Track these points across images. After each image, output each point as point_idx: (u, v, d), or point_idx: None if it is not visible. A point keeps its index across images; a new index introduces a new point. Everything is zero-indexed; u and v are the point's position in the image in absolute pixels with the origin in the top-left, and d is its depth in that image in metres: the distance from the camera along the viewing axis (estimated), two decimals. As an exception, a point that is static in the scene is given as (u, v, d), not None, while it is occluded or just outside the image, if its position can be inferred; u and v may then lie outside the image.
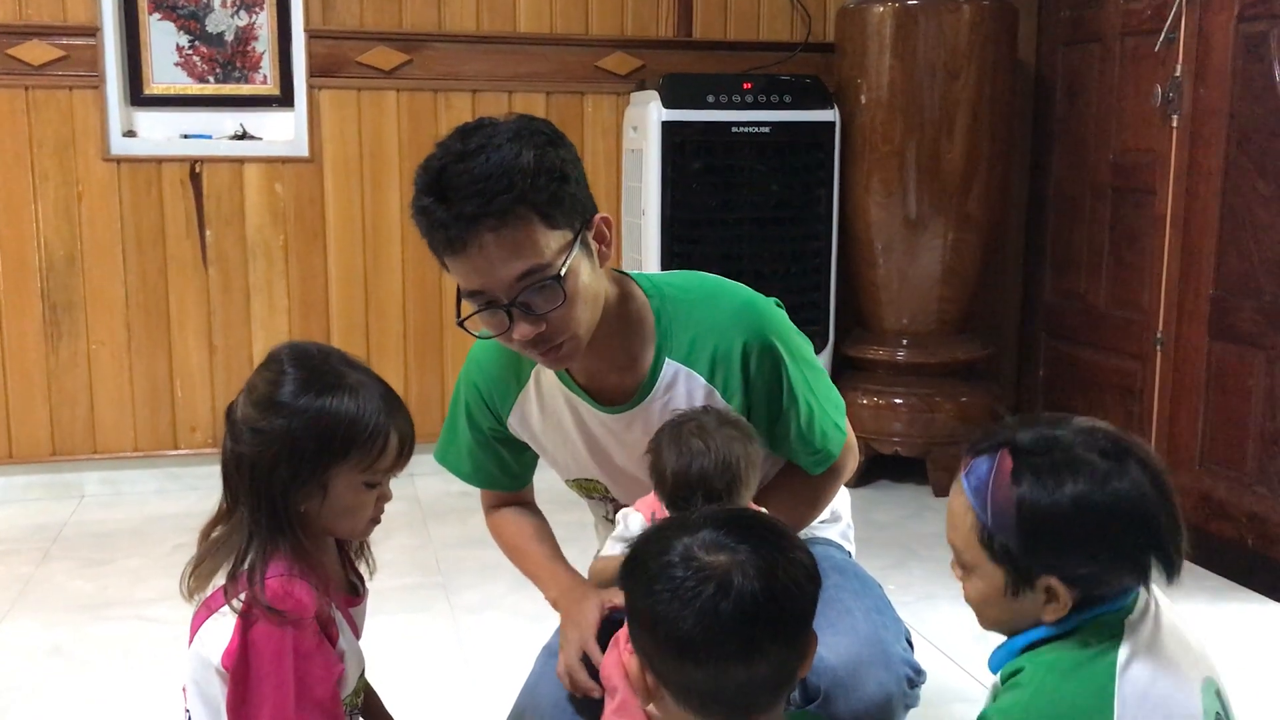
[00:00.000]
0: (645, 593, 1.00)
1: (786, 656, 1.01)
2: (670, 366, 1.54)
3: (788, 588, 0.99)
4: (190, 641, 1.29)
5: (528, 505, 1.77)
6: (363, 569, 1.44)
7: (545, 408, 1.61)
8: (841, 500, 1.78)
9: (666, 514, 1.40)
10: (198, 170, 3.28)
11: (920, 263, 3.33)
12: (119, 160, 3.22)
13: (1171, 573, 1.20)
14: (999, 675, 1.24)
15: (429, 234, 1.39)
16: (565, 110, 3.49)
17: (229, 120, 3.36)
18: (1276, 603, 2.64)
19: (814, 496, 1.65)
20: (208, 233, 3.30)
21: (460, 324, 1.46)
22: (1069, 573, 1.16)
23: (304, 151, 3.34)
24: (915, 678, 1.50)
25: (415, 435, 1.37)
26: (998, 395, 3.53)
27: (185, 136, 3.32)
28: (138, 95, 3.29)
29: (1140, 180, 3.25)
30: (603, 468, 1.64)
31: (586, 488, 1.70)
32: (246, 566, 1.25)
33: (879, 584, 1.66)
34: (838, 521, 1.76)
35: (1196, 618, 2.52)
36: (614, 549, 1.47)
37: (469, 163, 1.35)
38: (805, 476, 1.64)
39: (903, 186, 3.29)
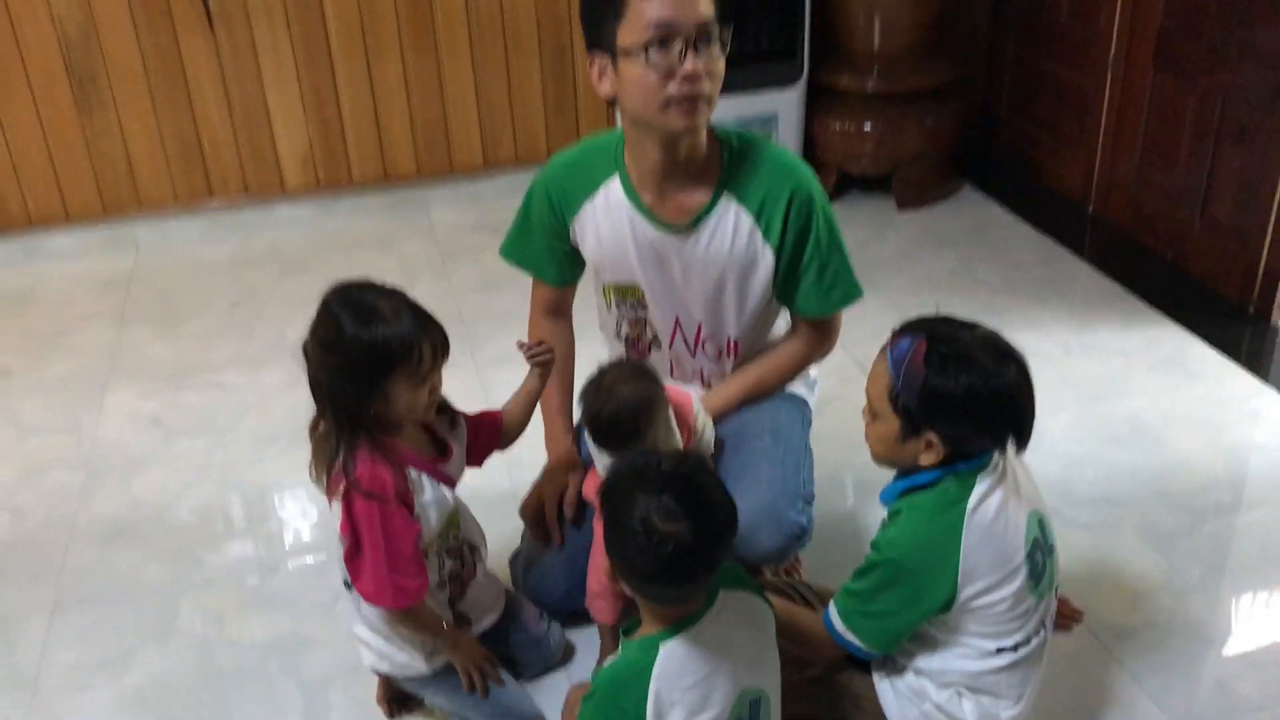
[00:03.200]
0: (618, 541, 1.45)
1: (713, 574, 1.48)
2: (726, 200, 1.89)
3: (717, 540, 1.44)
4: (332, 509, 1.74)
5: (565, 320, 2.15)
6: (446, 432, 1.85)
7: (610, 218, 1.93)
8: None
9: None
10: (190, -63, 3.39)
11: (890, -7, 3.48)
12: (114, -66, 3.34)
13: (1021, 445, 1.63)
14: (887, 511, 1.71)
15: None
16: None
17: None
18: (1178, 325, 3.06)
19: (795, 362, 2.06)
20: (209, -2, 3.47)
21: (630, 51, 1.73)
22: (946, 432, 1.60)
23: (289, -92, 3.42)
24: (801, 535, 1.91)
25: (446, 334, 1.72)
26: (961, 114, 3.77)
27: (171, -103, 3.40)
28: None
29: (1106, -100, 3.33)
30: (647, 278, 1.96)
31: (622, 291, 2.02)
32: (340, 461, 1.69)
33: (804, 442, 2.06)
34: (805, 376, 2.16)
35: (1108, 341, 2.90)
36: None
37: None
38: (793, 345, 2.05)
39: (873, -82, 3.38)
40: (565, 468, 2.06)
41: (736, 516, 1.49)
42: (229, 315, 3.33)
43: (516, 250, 2.09)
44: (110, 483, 2.63)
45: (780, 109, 3.64)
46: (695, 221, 1.90)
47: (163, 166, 3.66)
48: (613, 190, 1.93)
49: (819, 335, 2.05)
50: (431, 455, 1.82)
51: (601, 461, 1.83)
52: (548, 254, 2.05)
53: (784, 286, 1.97)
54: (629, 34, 1.73)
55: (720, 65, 1.77)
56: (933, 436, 1.59)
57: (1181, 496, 2.41)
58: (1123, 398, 2.76)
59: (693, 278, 1.95)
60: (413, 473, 1.74)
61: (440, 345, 1.72)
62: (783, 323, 2.13)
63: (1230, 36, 2.96)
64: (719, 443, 2.01)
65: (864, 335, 3.17)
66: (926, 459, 1.62)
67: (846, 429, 2.53)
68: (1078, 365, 2.89)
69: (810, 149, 3.77)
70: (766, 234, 1.90)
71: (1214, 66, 3.03)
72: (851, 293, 1.99)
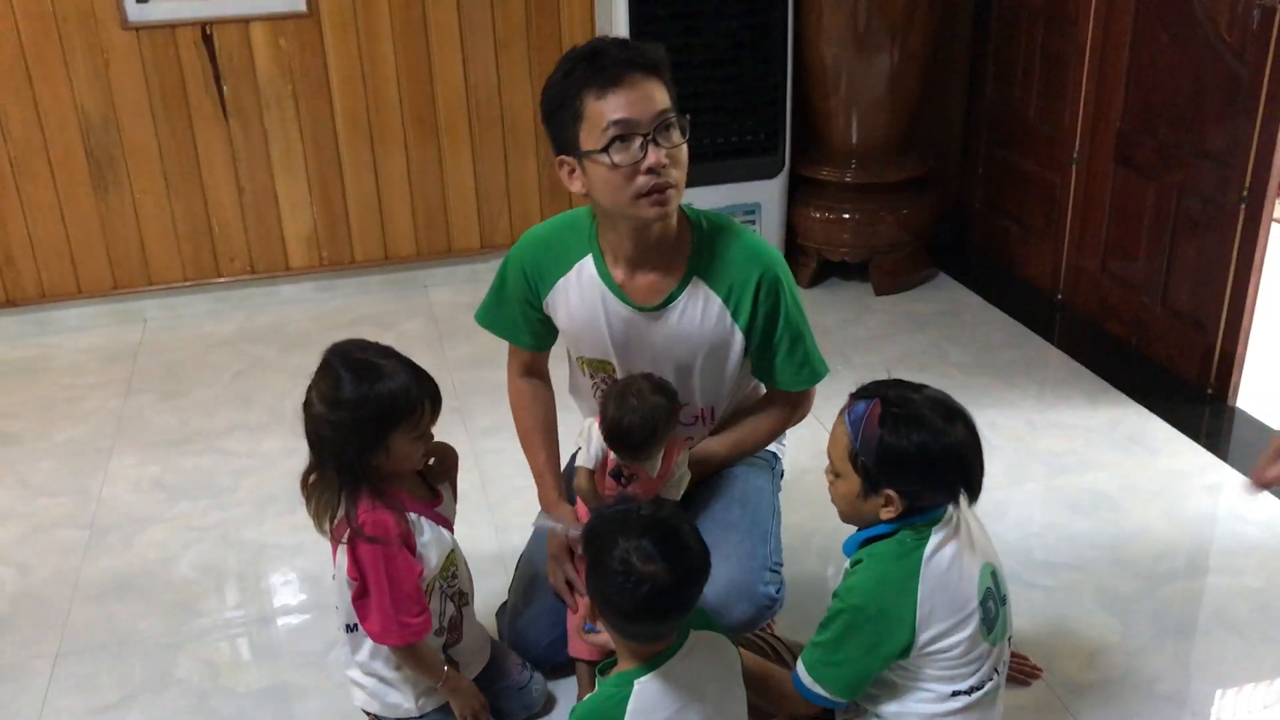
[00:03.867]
0: (599, 581, 1.57)
1: (686, 614, 1.60)
2: (695, 283, 1.96)
3: (691, 583, 1.57)
4: (334, 561, 1.88)
5: (542, 379, 2.22)
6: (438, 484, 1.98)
7: (583, 296, 2.00)
8: None
9: None
10: (209, 32, 3.59)
11: (867, 92, 3.68)
12: (137, 28, 3.54)
13: (973, 498, 1.76)
14: (849, 560, 1.83)
15: (590, 77, 1.79)
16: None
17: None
18: (1140, 405, 3.20)
19: (767, 428, 2.16)
20: (224, 88, 3.67)
21: (593, 153, 1.81)
22: (903, 488, 1.72)
23: (301, 6, 3.63)
24: (771, 605, 2.02)
25: (439, 388, 1.85)
26: (935, 205, 3.97)
27: (192, -6, 3.62)
28: (144, -40, 3.57)
29: (1067, 10, 3.55)
30: (619, 354, 2.03)
31: (595, 366, 2.10)
32: (344, 511, 1.81)
33: (773, 508, 2.16)
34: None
35: (1072, 418, 3.02)
36: (587, 462, 2.00)
37: (621, 42, 1.83)
38: (770, 413, 2.14)
39: (852, 24, 3.59)
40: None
41: (710, 560, 1.61)
42: (232, 386, 3.47)
43: (492, 318, 2.17)
44: (113, 540, 2.74)
45: (763, 198, 3.83)
46: (665, 303, 1.97)
47: (173, 245, 3.83)
48: (586, 269, 2.00)
49: (794, 402, 2.15)
50: (426, 499, 1.94)
51: (590, 452, 1.96)
52: (522, 321, 2.12)
53: (757, 364, 2.06)
54: (590, 137, 1.81)
55: (683, 152, 1.84)
56: (891, 493, 1.71)
57: (1139, 563, 2.52)
58: (1085, 471, 2.89)
59: (664, 356, 2.02)
60: (412, 516, 1.86)
61: (435, 399, 1.86)
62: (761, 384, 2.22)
63: (1181, 137, 3.16)
64: (690, 495, 2.12)
65: (838, 410, 3.31)
66: (887, 514, 1.74)
67: (819, 495, 2.66)
68: (1043, 441, 3.03)
69: (791, 236, 3.95)
70: (735, 316, 1.98)
71: (1168, 164, 3.22)
72: (819, 370, 2.08)
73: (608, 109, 1.79)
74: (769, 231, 3.86)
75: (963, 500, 1.77)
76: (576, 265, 2.01)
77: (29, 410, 3.37)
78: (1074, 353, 3.49)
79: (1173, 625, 2.35)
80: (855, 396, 1.77)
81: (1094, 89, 3.47)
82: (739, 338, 2.00)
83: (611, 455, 1.96)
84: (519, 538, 2.33)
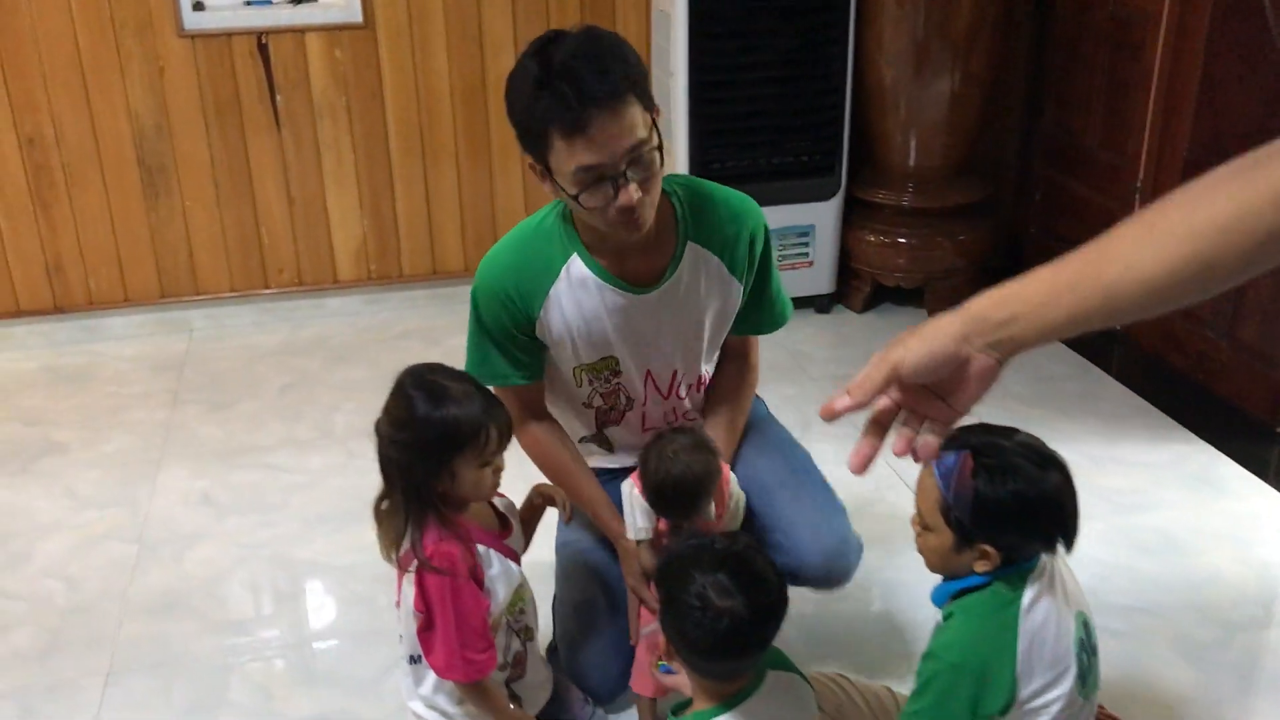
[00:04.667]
0: (675, 618, 1.52)
1: (764, 650, 1.55)
2: (691, 250, 1.94)
3: (769, 617, 1.51)
4: (399, 590, 1.84)
5: (549, 417, 2.12)
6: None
7: (577, 296, 1.92)
8: None
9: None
10: (264, 41, 3.57)
11: (926, 114, 3.62)
12: (193, 36, 3.52)
13: (1069, 546, 1.69)
14: (941, 614, 1.76)
15: (555, 112, 1.65)
16: (598, -33, 3.72)
17: (287, -13, 3.62)
18: (1205, 442, 3.14)
19: (748, 388, 2.18)
20: (278, 98, 3.64)
21: (561, 188, 1.74)
22: (1000, 541, 1.65)
23: (358, 18, 3.61)
24: (860, 550, 2.10)
25: (511, 418, 1.80)
26: (992, 231, 3.91)
27: (248, 3, 3.60)
28: (202, -32, 3.55)
29: (1134, 35, 3.48)
30: (623, 342, 1.97)
31: (595, 369, 2.01)
32: (410, 541, 1.77)
33: (804, 450, 2.20)
34: None
35: (1135, 455, 2.94)
36: (639, 534, 1.97)
37: (588, 63, 1.65)
38: (739, 374, 2.15)
39: (913, 45, 3.54)
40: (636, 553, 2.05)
41: (787, 594, 1.57)
42: (279, 399, 3.44)
43: (484, 371, 2.03)
44: (163, 556, 2.70)
45: (817, 220, 3.77)
46: (665, 277, 1.94)
47: (221, 255, 3.81)
48: (575, 267, 1.92)
49: (749, 349, 2.17)
50: (496, 530, 1.90)
51: (637, 524, 1.91)
52: (514, 356, 2.01)
53: (747, 314, 2.06)
54: (559, 170, 1.73)
55: (655, 165, 1.74)
56: (988, 547, 1.65)
57: (1215, 609, 2.45)
58: (1151, 510, 2.82)
59: (670, 328, 1.99)
60: (480, 548, 1.82)
61: (505, 428, 1.81)
62: None
63: (1256, 167, 3.09)
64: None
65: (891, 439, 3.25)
66: (982, 567, 1.66)
67: (881, 534, 2.60)
68: (1106, 478, 2.96)
69: (845, 259, 3.90)
70: (733, 270, 1.98)
71: (1240, 194, 3.15)
72: (790, 306, 2.15)
73: (575, 155, 1.69)
74: (823, 253, 3.81)
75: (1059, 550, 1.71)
76: (564, 268, 1.92)
77: (77, 419, 3.35)
78: (1135, 386, 3.42)
79: (1256, 676, 2.27)
80: (942, 446, 1.70)
81: (1161, 116, 3.40)
82: (737, 289, 2.01)
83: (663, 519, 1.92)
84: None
